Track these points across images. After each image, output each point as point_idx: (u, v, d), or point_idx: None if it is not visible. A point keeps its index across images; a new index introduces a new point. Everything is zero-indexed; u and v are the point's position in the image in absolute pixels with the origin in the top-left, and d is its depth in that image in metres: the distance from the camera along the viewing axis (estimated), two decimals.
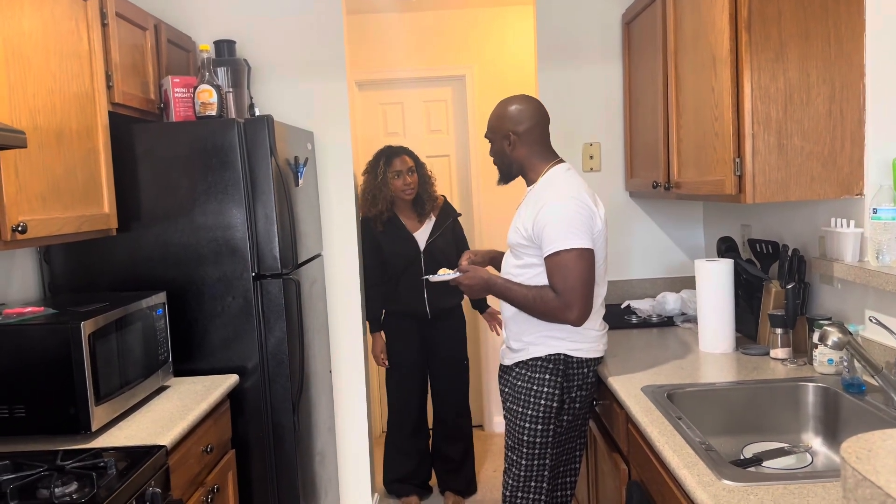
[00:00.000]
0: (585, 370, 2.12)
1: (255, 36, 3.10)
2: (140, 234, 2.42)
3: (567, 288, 1.99)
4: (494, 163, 2.25)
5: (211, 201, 2.41)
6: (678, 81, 2.45)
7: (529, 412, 2.10)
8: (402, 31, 4.21)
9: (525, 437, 2.11)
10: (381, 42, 4.21)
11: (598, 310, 2.16)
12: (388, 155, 3.26)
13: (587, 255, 2.00)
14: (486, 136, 2.26)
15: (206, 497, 2.06)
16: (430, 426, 3.52)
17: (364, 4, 3.93)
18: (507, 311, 2.20)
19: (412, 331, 3.34)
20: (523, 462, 2.13)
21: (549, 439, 2.10)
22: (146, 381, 2.15)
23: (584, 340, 2.10)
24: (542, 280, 2.07)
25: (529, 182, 2.20)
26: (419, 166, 3.32)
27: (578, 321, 2.02)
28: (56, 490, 1.51)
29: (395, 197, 3.26)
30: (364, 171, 3.33)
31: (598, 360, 2.16)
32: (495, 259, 2.39)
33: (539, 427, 2.09)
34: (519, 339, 2.15)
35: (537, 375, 2.10)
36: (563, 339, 2.09)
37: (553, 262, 2.00)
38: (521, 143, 2.15)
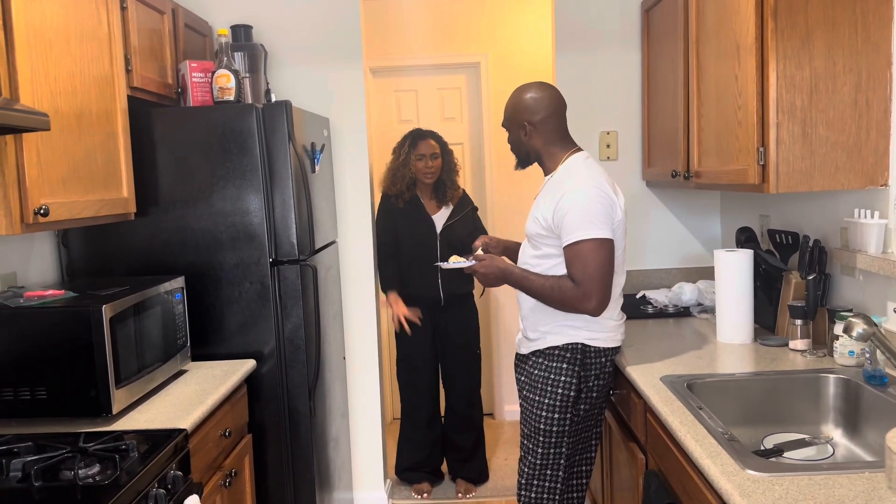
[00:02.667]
0: (603, 360, 2.11)
1: (271, 21, 3.09)
2: (158, 218, 2.42)
3: (586, 278, 1.98)
4: (512, 150, 2.24)
5: (229, 186, 2.41)
6: (699, 69, 2.42)
7: (546, 401, 2.10)
8: (416, 17, 4.18)
9: (541, 426, 2.11)
10: (396, 29, 4.18)
11: (616, 299, 2.15)
12: (415, 137, 3.29)
13: (607, 245, 1.99)
14: (502, 125, 2.24)
15: (224, 481, 2.07)
16: (442, 414, 3.52)
17: None
18: (524, 301, 2.19)
19: (424, 318, 3.31)
20: (539, 450, 2.12)
21: (566, 428, 2.10)
22: (165, 364, 2.15)
23: (601, 330, 2.10)
24: (561, 270, 2.06)
25: (547, 171, 2.18)
26: (445, 153, 3.32)
27: (597, 311, 2.01)
28: (79, 472, 1.51)
29: (417, 179, 3.28)
30: (393, 150, 3.37)
31: (615, 350, 2.15)
32: (509, 248, 2.38)
33: (556, 416, 2.09)
34: (536, 328, 2.14)
35: (554, 364, 2.10)
36: (581, 329, 2.08)
37: (572, 251, 1.99)
38: (536, 133, 2.14)
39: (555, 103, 2.15)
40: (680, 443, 1.63)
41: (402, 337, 3.33)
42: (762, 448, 1.77)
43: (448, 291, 3.29)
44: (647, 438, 2.00)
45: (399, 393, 3.46)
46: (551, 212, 2.04)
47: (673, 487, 1.76)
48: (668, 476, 1.81)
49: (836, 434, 1.90)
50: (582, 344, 2.09)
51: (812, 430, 1.92)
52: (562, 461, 2.12)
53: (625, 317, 2.21)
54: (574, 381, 2.08)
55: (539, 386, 2.12)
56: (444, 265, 2.25)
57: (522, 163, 2.24)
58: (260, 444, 2.47)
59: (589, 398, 2.12)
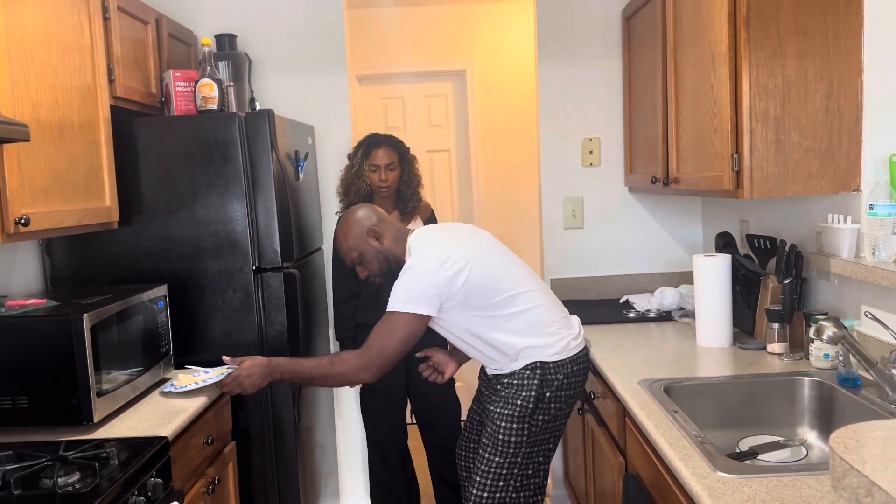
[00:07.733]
0: (565, 371, 2.12)
1: (256, 30, 3.11)
2: (141, 227, 2.43)
3: (378, 348, 2.03)
4: (374, 273, 2.22)
5: (212, 195, 2.42)
6: (678, 77, 2.46)
7: (506, 412, 2.09)
8: (402, 25, 4.21)
9: (500, 436, 2.09)
10: (382, 36, 4.21)
11: (556, 313, 2.16)
12: (369, 145, 2.85)
13: (421, 322, 2.03)
14: (351, 261, 2.22)
15: (207, 488, 2.08)
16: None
17: None
18: (469, 351, 2.20)
19: None
20: (496, 459, 2.10)
21: (524, 439, 2.09)
22: (148, 373, 2.16)
23: (553, 346, 2.10)
24: (480, 322, 2.08)
25: (402, 262, 2.17)
26: (404, 161, 2.87)
27: (372, 380, 2.07)
28: (59, 480, 1.52)
29: (373, 191, 2.87)
30: (347, 155, 2.97)
31: (576, 359, 2.15)
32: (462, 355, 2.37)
33: (514, 426, 2.08)
34: (496, 364, 2.17)
35: (516, 381, 2.11)
36: (538, 347, 2.09)
37: (388, 318, 2.03)
38: (384, 233, 2.19)
39: (373, 210, 2.23)
40: (654, 446, 1.65)
41: None
42: (737, 451, 1.79)
43: None
44: (626, 442, 2.02)
45: (365, 431, 3.04)
46: None
47: (650, 490, 1.78)
48: (645, 479, 1.83)
49: (810, 436, 1.93)
50: (541, 361, 2.10)
51: (787, 432, 1.94)
52: (515, 471, 2.11)
53: (573, 325, 2.20)
54: (533, 393, 2.09)
55: (500, 398, 2.12)
56: (178, 390, 2.09)
57: (390, 274, 2.19)
58: (244, 451, 2.48)
59: (548, 409, 2.11)
